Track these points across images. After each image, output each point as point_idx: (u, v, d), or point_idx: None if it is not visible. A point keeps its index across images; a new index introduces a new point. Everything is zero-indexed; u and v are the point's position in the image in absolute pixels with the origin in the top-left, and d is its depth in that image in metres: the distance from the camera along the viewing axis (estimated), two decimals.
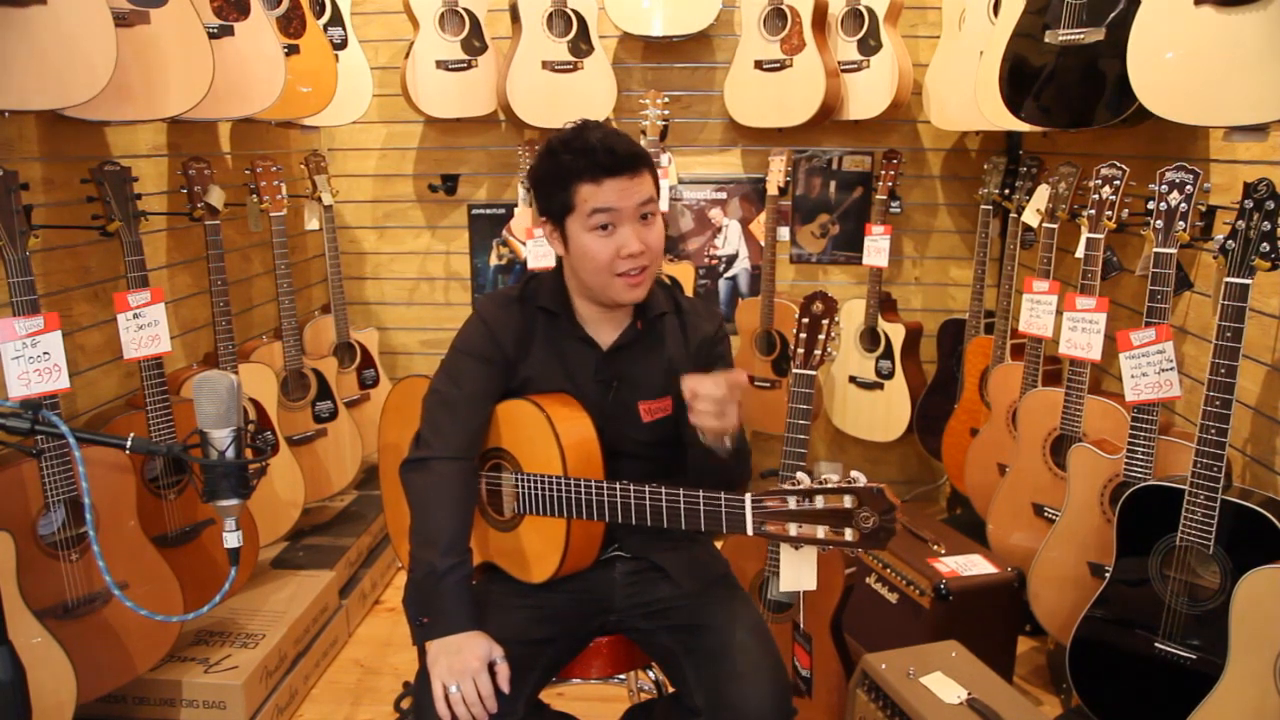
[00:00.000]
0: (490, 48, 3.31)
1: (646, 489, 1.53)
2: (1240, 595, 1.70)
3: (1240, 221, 1.75)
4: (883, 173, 3.24)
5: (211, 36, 2.29)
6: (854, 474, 1.37)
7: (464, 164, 3.66)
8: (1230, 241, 1.76)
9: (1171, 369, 2.03)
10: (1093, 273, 2.28)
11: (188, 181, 2.52)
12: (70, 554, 1.96)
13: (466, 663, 1.43)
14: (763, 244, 3.43)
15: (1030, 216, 2.75)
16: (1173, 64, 1.91)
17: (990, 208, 3.10)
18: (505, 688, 1.44)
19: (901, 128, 3.46)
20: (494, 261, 3.73)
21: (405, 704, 2.40)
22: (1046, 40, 2.27)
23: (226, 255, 2.61)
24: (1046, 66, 2.29)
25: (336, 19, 3.19)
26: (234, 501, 1.33)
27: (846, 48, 3.19)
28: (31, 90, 1.82)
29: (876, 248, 3.24)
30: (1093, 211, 2.27)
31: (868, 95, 3.17)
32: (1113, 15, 2.12)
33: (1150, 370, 2.05)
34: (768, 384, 3.40)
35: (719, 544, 2.01)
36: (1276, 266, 1.72)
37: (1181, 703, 1.80)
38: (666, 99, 3.23)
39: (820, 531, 1.37)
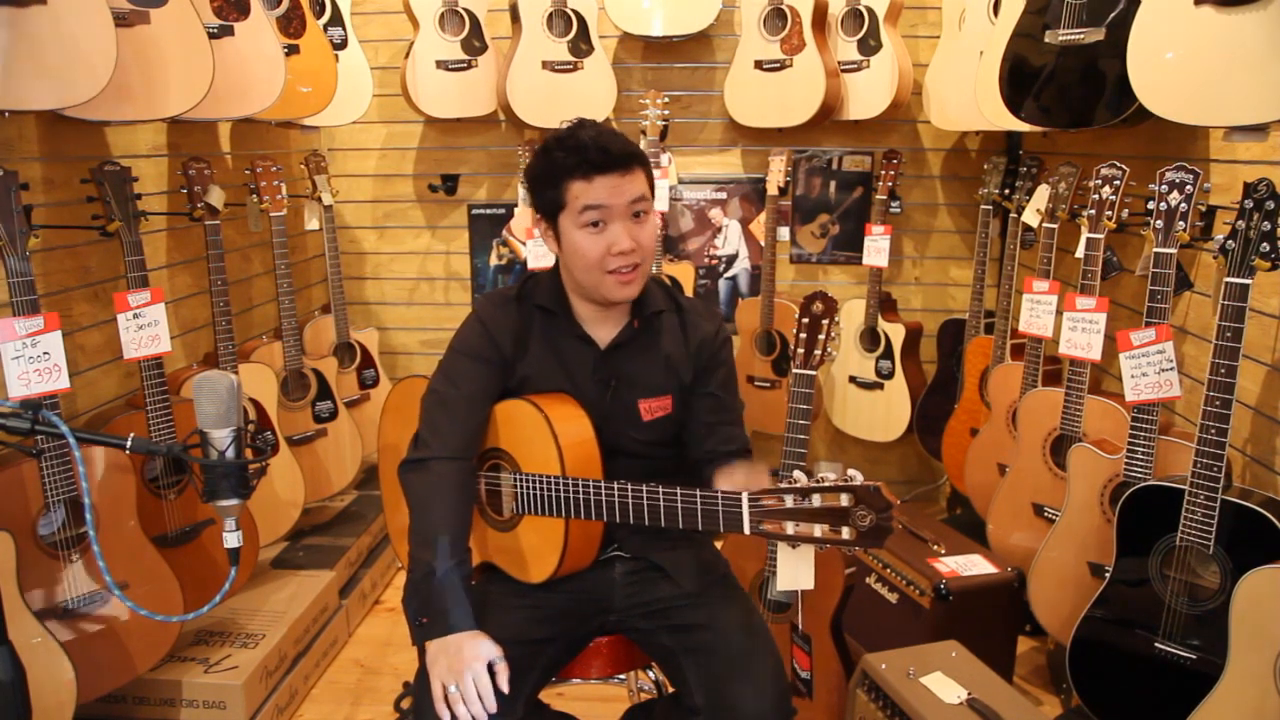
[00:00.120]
0: (490, 48, 3.31)
1: (644, 488, 1.53)
2: (1240, 595, 1.70)
3: (1240, 221, 1.75)
4: (883, 173, 3.24)
5: (211, 36, 2.29)
6: (851, 472, 1.37)
7: (464, 164, 3.66)
8: (1230, 241, 1.76)
9: (1171, 369, 2.03)
10: (1093, 273, 2.28)
11: (188, 181, 2.52)
12: (70, 554, 1.96)
13: (466, 662, 1.43)
14: (763, 244, 3.43)
15: (1030, 216, 2.75)
16: (1173, 64, 1.91)
17: (990, 208, 3.10)
18: (505, 687, 1.44)
19: (901, 128, 3.46)
20: (494, 261, 3.73)
21: (405, 704, 2.40)
22: (1046, 40, 2.27)
23: (226, 255, 2.61)
24: (1046, 66, 2.29)
25: (336, 19, 3.19)
26: (234, 501, 1.34)
27: (846, 48, 3.19)
28: (31, 90, 1.83)
29: (876, 248, 3.24)
30: (1093, 211, 2.27)
31: (868, 95, 3.17)
32: (1113, 15, 2.12)
33: (1150, 370, 2.05)
34: (768, 384, 3.40)
35: (719, 544, 2.01)
36: (1276, 266, 1.72)
37: (1181, 703, 1.80)
38: (666, 99, 3.23)
39: (817, 530, 1.37)
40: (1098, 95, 2.17)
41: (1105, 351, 2.32)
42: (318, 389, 3.05)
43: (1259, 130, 1.89)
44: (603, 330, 1.69)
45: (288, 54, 2.64)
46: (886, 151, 3.27)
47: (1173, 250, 1.99)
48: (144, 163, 2.61)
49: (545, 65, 3.22)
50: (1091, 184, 2.29)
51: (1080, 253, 2.30)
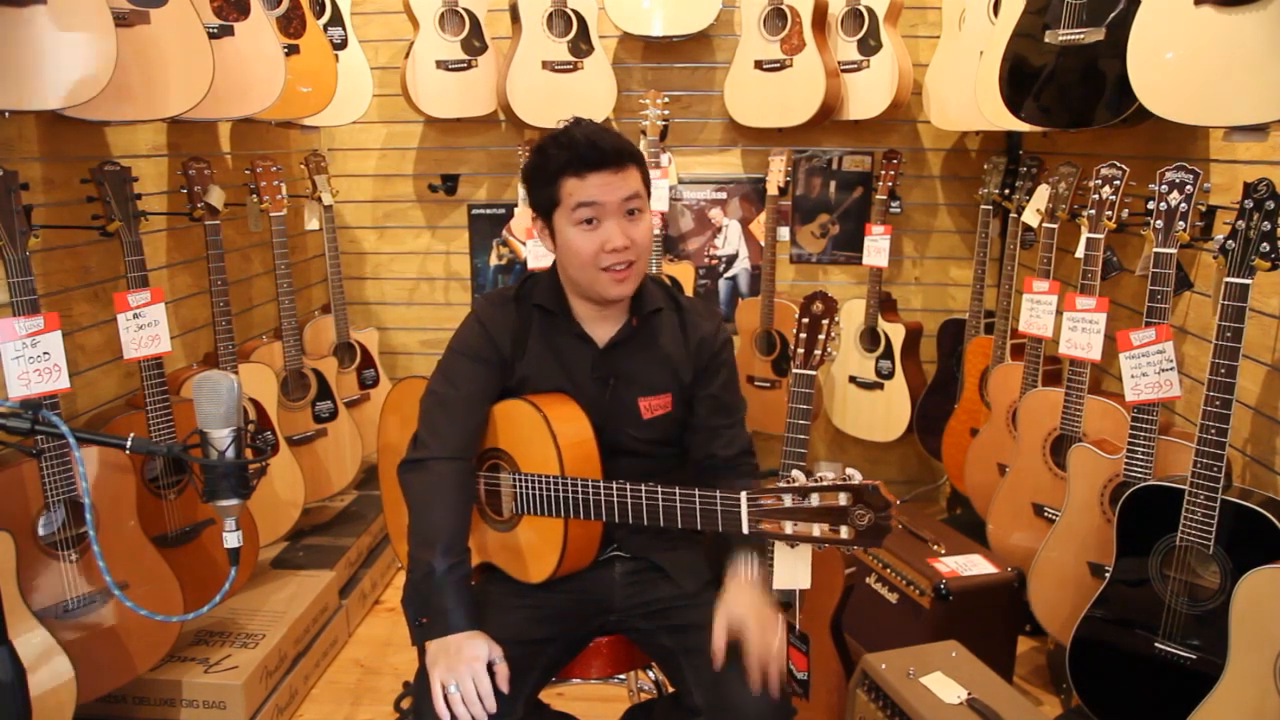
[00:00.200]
0: (490, 48, 3.31)
1: (643, 488, 1.54)
2: (1240, 595, 1.70)
3: (1240, 221, 1.75)
4: (883, 173, 3.24)
5: (211, 36, 2.29)
6: (849, 471, 1.37)
7: (464, 164, 3.66)
8: (1230, 241, 1.76)
9: (1171, 369, 2.03)
10: (1093, 273, 2.28)
11: (188, 181, 2.52)
12: (70, 554, 1.96)
13: (466, 662, 1.42)
14: (763, 244, 3.43)
15: (1030, 216, 2.75)
16: (1173, 64, 1.91)
17: (990, 208, 3.10)
18: (504, 687, 1.44)
19: (901, 128, 3.46)
20: (494, 261, 3.73)
21: (405, 704, 2.40)
22: (1046, 40, 2.27)
23: (226, 255, 2.61)
24: (1046, 66, 2.29)
25: (336, 19, 3.19)
26: (234, 501, 1.34)
27: (846, 48, 3.19)
28: (31, 90, 1.82)
29: (876, 248, 3.24)
30: (1093, 211, 2.27)
31: (868, 95, 3.17)
32: (1113, 15, 2.12)
33: (1150, 370, 2.05)
34: (768, 384, 3.40)
35: None
36: (1276, 266, 1.72)
37: (1181, 703, 1.80)
38: (666, 99, 3.23)
39: (816, 529, 1.37)
40: (1098, 95, 2.17)
41: (1105, 351, 2.32)
42: (318, 389, 3.05)
43: (1259, 130, 1.89)
44: (601, 329, 1.69)
45: (288, 54, 2.64)
46: (886, 151, 3.27)
47: (1173, 250, 1.99)
48: (144, 163, 2.61)
49: (545, 65, 3.22)
50: (1091, 184, 2.28)
51: (1080, 253, 2.30)
